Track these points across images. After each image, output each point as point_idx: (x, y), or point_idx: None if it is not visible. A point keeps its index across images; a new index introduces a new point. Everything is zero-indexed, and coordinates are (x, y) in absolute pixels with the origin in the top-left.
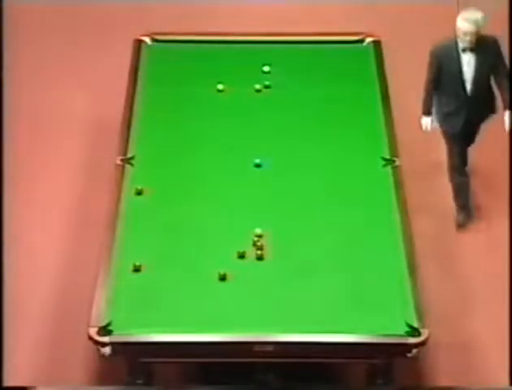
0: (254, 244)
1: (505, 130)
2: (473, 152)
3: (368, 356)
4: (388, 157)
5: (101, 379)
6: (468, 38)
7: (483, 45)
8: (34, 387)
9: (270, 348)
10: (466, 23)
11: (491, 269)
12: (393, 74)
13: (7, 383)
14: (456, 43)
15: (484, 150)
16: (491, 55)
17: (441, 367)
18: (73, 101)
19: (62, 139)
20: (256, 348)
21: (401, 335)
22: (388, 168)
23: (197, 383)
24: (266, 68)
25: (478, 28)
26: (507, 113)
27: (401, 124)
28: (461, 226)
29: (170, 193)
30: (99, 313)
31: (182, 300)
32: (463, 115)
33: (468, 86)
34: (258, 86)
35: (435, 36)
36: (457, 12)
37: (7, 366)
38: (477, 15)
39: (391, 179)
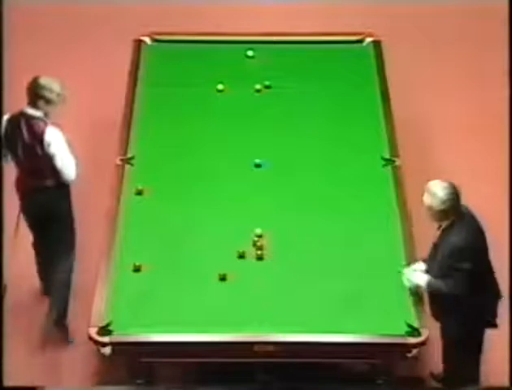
0: (254, 244)
1: None
2: None
3: (368, 356)
4: (388, 157)
5: (102, 379)
6: (429, 213)
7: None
8: (40, 387)
9: (270, 348)
10: (426, 192)
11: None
12: (393, 74)
13: (7, 383)
14: None
15: None
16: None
17: (441, 367)
18: (73, 101)
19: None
20: (256, 348)
21: (401, 335)
22: (388, 168)
23: (197, 383)
24: (249, 53)
25: (436, 204)
26: None
27: (401, 124)
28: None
29: (170, 193)
30: (99, 313)
31: (182, 300)
32: None
33: None
34: (258, 86)
35: (435, 36)
36: None
37: (7, 366)
38: (438, 188)
39: (391, 179)
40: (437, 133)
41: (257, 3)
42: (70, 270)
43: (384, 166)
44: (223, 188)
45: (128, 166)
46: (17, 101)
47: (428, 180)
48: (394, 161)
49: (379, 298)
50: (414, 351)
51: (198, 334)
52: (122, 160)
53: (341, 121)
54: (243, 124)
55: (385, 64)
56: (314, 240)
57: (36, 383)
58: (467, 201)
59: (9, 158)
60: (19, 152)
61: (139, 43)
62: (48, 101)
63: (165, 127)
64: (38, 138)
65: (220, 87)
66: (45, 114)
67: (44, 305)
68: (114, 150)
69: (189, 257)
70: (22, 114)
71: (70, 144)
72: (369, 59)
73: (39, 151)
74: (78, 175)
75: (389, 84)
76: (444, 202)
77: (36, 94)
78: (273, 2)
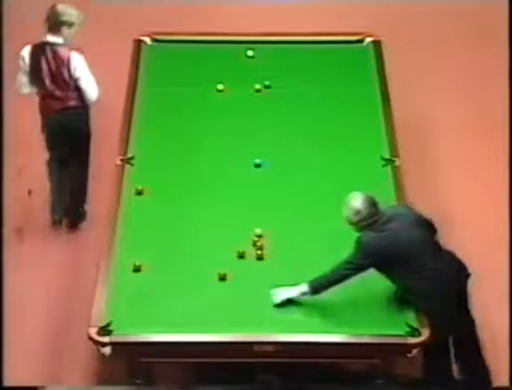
0: (254, 244)
1: None
2: None
3: (368, 356)
4: (388, 157)
5: (102, 379)
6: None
7: None
8: (40, 387)
9: (270, 348)
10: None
11: (491, 268)
12: (393, 74)
13: (7, 383)
14: None
15: None
16: None
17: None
18: None
19: None
20: (256, 348)
21: (401, 335)
22: (388, 168)
23: (197, 383)
24: (249, 53)
25: (351, 217)
26: None
27: (401, 124)
28: None
29: (170, 193)
30: (99, 313)
31: (182, 300)
32: None
33: None
34: (258, 86)
35: (435, 36)
36: None
37: (7, 365)
38: (352, 200)
39: (391, 179)
40: (437, 133)
41: (257, 3)
42: (86, 180)
43: (383, 166)
44: (223, 188)
45: (127, 166)
46: (17, 101)
47: (428, 180)
48: (394, 161)
49: (379, 298)
50: (414, 351)
51: (198, 334)
52: (122, 160)
53: (341, 121)
54: (243, 124)
55: (385, 64)
56: (314, 240)
57: (36, 383)
58: (467, 200)
59: (33, 87)
60: (46, 79)
61: (139, 43)
62: (70, 25)
63: (165, 127)
64: (64, 63)
65: (220, 87)
66: (65, 40)
67: (44, 305)
68: (115, 150)
69: (189, 257)
70: (45, 43)
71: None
72: (369, 59)
73: (66, 76)
74: (98, 96)
75: (389, 84)
76: (357, 213)
77: (57, 21)
78: (273, 2)
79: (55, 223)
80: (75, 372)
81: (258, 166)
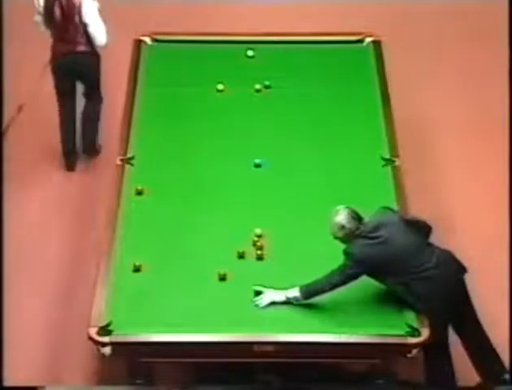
0: (254, 244)
1: None
2: None
3: (368, 356)
4: (388, 157)
5: (102, 379)
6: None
7: None
8: (40, 387)
9: (270, 348)
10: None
11: (491, 268)
12: (393, 74)
13: (7, 383)
14: None
15: None
16: None
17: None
18: None
19: None
20: (256, 348)
21: (401, 335)
22: (388, 168)
23: (197, 383)
24: (249, 53)
25: (336, 232)
26: None
27: (401, 124)
28: None
29: (170, 193)
30: (99, 313)
31: (182, 300)
32: None
33: None
34: (258, 86)
35: (435, 36)
36: None
37: (7, 365)
38: (334, 218)
39: (391, 179)
40: (437, 133)
41: (257, 3)
42: (98, 116)
43: (383, 166)
44: (223, 188)
45: (127, 166)
46: (17, 101)
47: (428, 180)
48: (394, 161)
49: (379, 298)
50: (414, 351)
51: (198, 334)
52: (122, 160)
53: (341, 121)
54: (243, 124)
55: (385, 64)
56: (314, 240)
57: (36, 383)
58: (467, 200)
59: (46, 27)
60: (58, 22)
61: (139, 43)
62: None
63: (165, 127)
64: (76, 8)
65: (220, 87)
66: None
67: (44, 305)
68: (115, 150)
69: (189, 257)
70: None
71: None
72: (369, 59)
73: (77, 20)
74: (108, 42)
75: (389, 84)
76: (341, 228)
77: None
78: (273, 2)
79: (68, 154)
80: (75, 372)
81: (258, 166)
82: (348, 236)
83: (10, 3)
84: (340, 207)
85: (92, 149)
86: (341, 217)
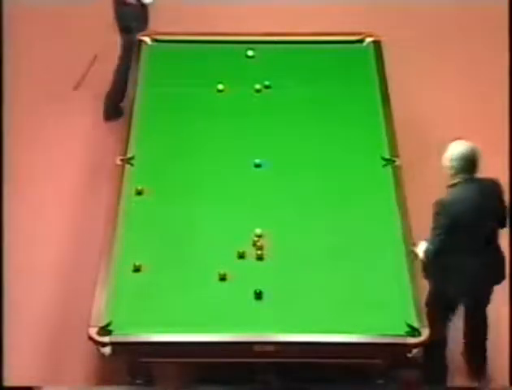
0: (254, 244)
1: None
2: None
3: (368, 356)
4: (388, 157)
5: (102, 379)
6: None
7: None
8: (40, 387)
9: (270, 348)
10: None
11: None
12: (393, 74)
13: (7, 382)
14: None
15: None
16: None
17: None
18: (73, 100)
19: (62, 139)
20: (256, 348)
21: (401, 335)
22: (388, 168)
23: (197, 383)
24: (249, 53)
25: (444, 160)
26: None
27: (401, 124)
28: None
29: (170, 193)
30: (99, 313)
31: (182, 300)
32: None
33: None
34: (258, 86)
35: (435, 36)
36: None
37: (7, 365)
38: (452, 146)
39: (391, 179)
40: (437, 133)
41: (257, 3)
42: (125, 77)
43: (384, 166)
44: (223, 188)
45: (128, 166)
46: (17, 100)
47: (428, 180)
48: (394, 161)
49: (379, 298)
50: (415, 351)
51: (198, 334)
52: (122, 160)
53: (341, 121)
54: (243, 124)
55: (385, 64)
56: (314, 240)
57: (35, 383)
58: None
59: None
60: None
61: (139, 43)
62: None
63: (165, 127)
64: None
65: (220, 87)
66: None
67: (44, 305)
68: (115, 150)
69: (189, 257)
70: None
71: None
72: (369, 59)
73: None
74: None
75: (389, 84)
76: (449, 160)
77: None
78: (273, 2)
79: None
80: (75, 372)
81: (258, 166)
82: (451, 171)
83: (11, 3)
84: (464, 142)
85: (112, 116)
86: (457, 150)
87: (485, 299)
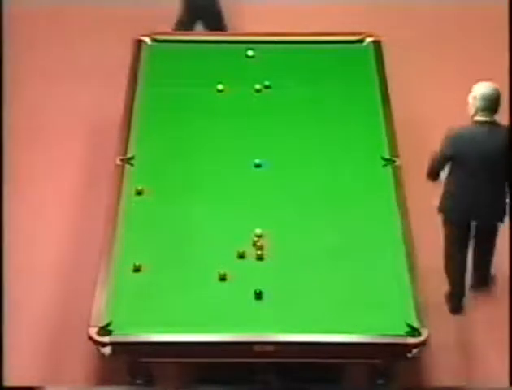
0: (254, 244)
1: None
2: None
3: (368, 356)
4: (388, 157)
5: (102, 379)
6: None
7: None
8: (40, 387)
9: (270, 348)
10: None
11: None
12: (393, 74)
13: (7, 382)
14: None
15: None
16: None
17: (441, 367)
18: (73, 101)
19: (63, 139)
20: (256, 348)
21: (401, 335)
22: (388, 168)
23: (197, 383)
24: (249, 53)
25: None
26: None
27: (401, 124)
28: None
29: (170, 193)
30: (99, 313)
31: (182, 300)
32: None
33: None
34: (258, 86)
35: (435, 36)
36: None
37: (7, 365)
38: (477, 85)
39: (391, 179)
40: (437, 133)
41: (257, 3)
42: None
43: (384, 166)
44: (222, 188)
45: (127, 166)
46: (18, 101)
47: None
48: (394, 161)
49: (379, 298)
50: (415, 351)
51: (198, 334)
52: (122, 160)
53: (341, 121)
54: (243, 124)
55: (385, 64)
56: (314, 240)
57: (36, 383)
58: None
59: None
60: None
61: (139, 43)
62: None
63: (165, 127)
64: None
65: (220, 87)
66: None
67: (44, 305)
68: (115, 150)
69: (189, 257)
70: None
71: None
72: (369, 59)
73: None
74: None
75: (389, 84)
76: (471, 99)
77: None
78: (273, 2)
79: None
80: (75, 372)
81: (258, 166)
82: (471, 108)
83: (11, 3)
84: (490, 84)
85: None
86: (481, 90)
87: (489, 226)
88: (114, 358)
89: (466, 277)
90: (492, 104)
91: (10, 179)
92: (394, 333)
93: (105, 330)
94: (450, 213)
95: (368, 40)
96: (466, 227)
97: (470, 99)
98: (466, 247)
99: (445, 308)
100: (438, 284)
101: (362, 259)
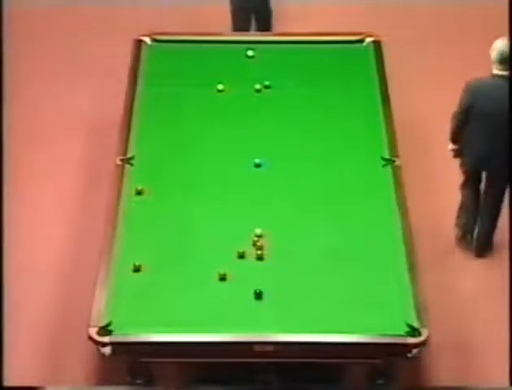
0: (254, 244)
1: None
2: None
3: (368, 356)
4: (388, 157)
5: (102, 379)
6: None
7: None
8: (41, 387)
9: (270, 348)
10: None
11: (491, 268)
12: (393, 74)
13: (7, 382)
14: None
15: None
16: None
17: (441, 367)
18: (73, 101)
19: (63, 139)
20: (256, 348)
21: (401, 335)
22: (388, 168)
23: (197, 383)
24: (249, 53)
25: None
26: None
27: (401, 124)
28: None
29: (170, 193)
30: (99, 313)
31: (182, 300)
32: None
33: None
34: (258, 86)
35: (435, 36)
36: None
37: (7, 365)
38: (499, 40)
39: (391, 179)
40: (437, 133)
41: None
42: None
43: (384, 166)
44: (223, 188)
45: (127, 166)
46: (18, 102)
47: (428, 180)
48: (394, 161)
49: (379, 298)
50: (415, 351)
51: (198, 334)
52: (122, 160)
53: (341, 121)
54: (243, 124)
55: (385, 64)
56: (314, 240)
57: (36, 384)
58: None
59: None
60: None
61: (139, 43)
62: None
63: (165, 127)
64: None
65: (220, 87)
66: None
67: (44, 305)
68: (115, 150)
69: (189, 257)
70: None
71: None
72: (369, 59)
73: None
74: None
75: (389, 84)
76: (492, 49)
77: None
78: (273, 2)
79: None
80: (75, 372)
81: (258, 166)
82: (492, 60)
83: (11, 3)
84: (506, 39)
85: None
86: (499, 44)
87: (499, 176)
88: (114, 358)
89: (475, 223)
90: (504, 58)
91: (10, 179)
92: (394, 333)
93: (105, 330)
94: (465, 159)
95: (368, 40)
96: (477, 175)
97: (491, 53)
98: (477, 193)
99: (445, 306)
100: (438, 284)
101: (362, 259)
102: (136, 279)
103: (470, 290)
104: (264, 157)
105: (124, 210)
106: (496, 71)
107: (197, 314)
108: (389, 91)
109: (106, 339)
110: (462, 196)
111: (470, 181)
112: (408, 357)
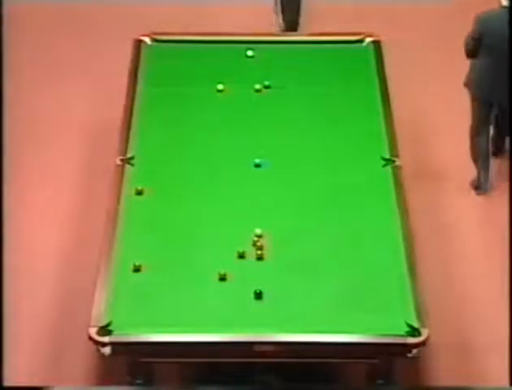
0: (254, 244)
1: None
2: None
3: (368, 356)
4: (388, 157)
5: (102, 379)
6: None
7: None
8: (41, 387)
9: (270, 348)
10: None
11: (491, 268)
12: (393, 74)
13: (7, 382)
14: None
15: None
16: None
17: (441, 367)
18: (73, 101)
19: (62, 139)
20: (256, 348)
21: (401, 335)
22: (388, 168)
23: (197, 383)
24: (249, 53)
25: None
26: None
27: (401, 124)
28: (477, 188)
29: (170, 193)
30: (99, 313)
31: (182, 300)
32: None
33: None
34: (257, 86)
35: (435, 37)
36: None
37: (7, 365)
38: None
39: (391, 179)
40: (437, 133)
41: (257, 3)
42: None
43: (384, 166)
44: (222, 187)
45: (127, 166)
46: (18, 101)
47: (428, 180)
48: (394, 161)
49: (379, 298)
50: (415, 351)
51: (198, 334)
52: (122, 160)
53: (341, 121)
54: (243, 124)
55: (385, 64)
56: (314, 240)
57: (36, 384)
58: (467, 199)
59: None
60: None
61: (139, 43)
62: None
63: (165, 127)
64: None
65: (220, 87)
66: None
67: (44, 305)
68: (115, 150)
69: (189, 257)
70: None
71: None
72: (369, 59)
73: None
74: None
75: (389, 84)
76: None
77: None
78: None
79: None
80: (76, 372)
81: (258, 166)
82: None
83: (11, 3)
84: None
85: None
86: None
87: (507, 109)
88: (114, 358)
89: (489, 160)
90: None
91: (10, 180)
92: (394, 333)
93: (105, 330)
94: (474, 89)
95: (368, 40)
96: (488, 105)
97: None
98: (488, 125)
99: (445, 306)
100: (438, 284)
101: (362, 259)
102: (136, 279)
103: (469, 290)
104: (264, 157)
105: (124, 210)
106: (504, 3)
107: (197, 314)
108: (389, 91)
109: (105, 339)
110: (475, 133)
111: (482, 113)
112: (408, 357)
